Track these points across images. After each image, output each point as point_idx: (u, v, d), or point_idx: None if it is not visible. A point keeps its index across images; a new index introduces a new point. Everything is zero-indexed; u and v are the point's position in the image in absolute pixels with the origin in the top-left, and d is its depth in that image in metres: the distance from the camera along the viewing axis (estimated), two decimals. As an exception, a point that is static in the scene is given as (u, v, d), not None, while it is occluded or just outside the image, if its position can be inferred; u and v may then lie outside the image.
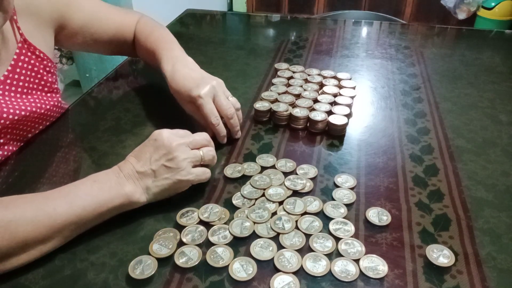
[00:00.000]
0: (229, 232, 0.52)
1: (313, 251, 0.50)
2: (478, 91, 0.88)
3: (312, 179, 0.62)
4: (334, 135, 0.72)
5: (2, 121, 0.64)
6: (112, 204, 0.51)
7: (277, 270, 0.47)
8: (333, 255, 0.50)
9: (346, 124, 0.72)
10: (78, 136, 0.74)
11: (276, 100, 0.79)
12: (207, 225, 0.53)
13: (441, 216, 0.55)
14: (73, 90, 2.31)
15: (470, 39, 1.19)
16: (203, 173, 0.57)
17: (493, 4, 2.78)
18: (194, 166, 0.56)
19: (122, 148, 0.69)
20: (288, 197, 0.58)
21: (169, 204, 0.56)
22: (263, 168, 0.64)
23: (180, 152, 0.54)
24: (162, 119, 0.77)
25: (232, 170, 0.63)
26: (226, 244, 0.51)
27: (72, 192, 0.50)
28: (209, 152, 0.58)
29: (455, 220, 0.55)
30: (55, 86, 0.75)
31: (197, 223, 0.54)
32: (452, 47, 1.14)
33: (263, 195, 0.58)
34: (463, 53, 1.07)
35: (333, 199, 0.58)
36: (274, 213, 0.55)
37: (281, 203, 0.57)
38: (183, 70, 0.70)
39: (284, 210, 0.55)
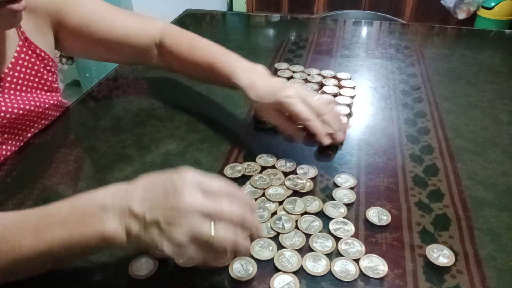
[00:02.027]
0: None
1: (313, 251, 0.50)
2: (478, 91, 0.88)
3: (312, 179, 0.62)
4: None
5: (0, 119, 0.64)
6: (86, 243, 0.40)
7: (277, 270, 0.47)
8: (333, 255, 0.50)
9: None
10: (78, 136, 0.74)
11: (276, 100, 0.79)
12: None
13: (441, 216, 0.55)
14: (73, 90, 2.31)
15: (470, 39, 1.19)
16: (207, 262, 0.41)
17: (493, 4, 2.78)
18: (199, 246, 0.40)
19: (122, 148, 0.69)
20: (288, 196, 0.58)
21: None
22: (263, 168, 0.64)
23: (186, 222, 0.39)
24: (162, 119, 0.76)
25: (232, 170, 0.63)
26: (226, 244, 0.50)
27: (45, 219, 0.42)
28: (237, 239, 0.40)
29: (455, 220, 0.55)
30: (55, 85, 0.75)
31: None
32: (452, 47, 1.14)
33: (263, 195, 0.58)
34: (463, 53, 1.07)
35: (333, 199, 0.58)
36: (274, 213, 0.55)
37: (281, 203, 0.57)
38: (261, 79, 0.66)
39: (284, 210, 0.55)
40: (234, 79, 0.67)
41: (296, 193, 0.59)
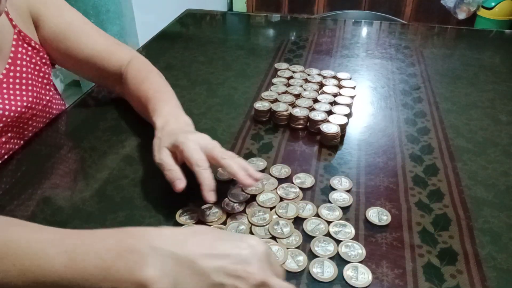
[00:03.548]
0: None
1: (315, 255, 0.49)
2: (478, 91, 0.88)
3: (308, 189, 0.60)
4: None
5: (4, 118, 0.63)
6: (118, 281, 0.37)
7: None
8: (335, 258, 0.49)
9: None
10: (78, 136, 0.74)
11: (276, 100, 0.79)
12: (207, 225, 0.53)
13: (441, 216, 0.55)
14: (73, 90, 2.31)
15: (470, 39, 1.19)
16: None
17: (493, 4, 2.78)
18: None
19: (122, 148, 0.69)
20: (280, 200, 0.57)
21: (169, 203, 0.56)
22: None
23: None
24: (162, 119, 0.76)
25: (224, 172, 0.62)
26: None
27: (85, 243, 0.39)
28: None
29: (455, 220, 0.55)
30: (51, 77, 0.75)
31: (197, 223, 0.53)
32: (452, 47, 1.14)
33: (255, 199, 0.57)
34: (463, 53, 1.07)
35: (330, 202, 0.57)
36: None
37: (272, 208, 0.56)
38: (174, 124, 0.61)
39: (277, 215, 0.55)
40: (154, 117, 0.63)
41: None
